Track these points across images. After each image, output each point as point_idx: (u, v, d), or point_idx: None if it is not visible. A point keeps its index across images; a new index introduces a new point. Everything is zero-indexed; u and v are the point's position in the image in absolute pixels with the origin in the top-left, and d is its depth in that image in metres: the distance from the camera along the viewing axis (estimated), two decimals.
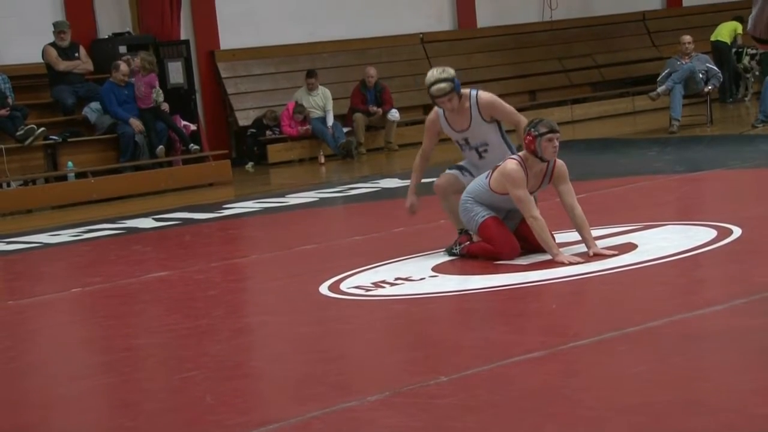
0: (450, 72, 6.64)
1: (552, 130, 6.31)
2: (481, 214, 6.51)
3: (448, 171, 6.96)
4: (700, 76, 14.19)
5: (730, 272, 5.72)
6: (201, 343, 5.32)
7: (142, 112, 13.23)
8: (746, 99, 17.35)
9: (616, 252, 6.29)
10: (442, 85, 6.58)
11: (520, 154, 6.42)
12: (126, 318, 6.30)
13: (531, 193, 6.38)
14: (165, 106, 13.48)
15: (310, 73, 15.22)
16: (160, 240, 9.26)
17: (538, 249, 6.36)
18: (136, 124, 13.10)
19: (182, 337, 5.51)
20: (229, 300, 6.55)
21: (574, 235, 6.54)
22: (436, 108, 6.77)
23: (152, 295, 6.86)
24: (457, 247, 6.68)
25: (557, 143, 6.31)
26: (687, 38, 14.31)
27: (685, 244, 6.35)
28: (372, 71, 15.45)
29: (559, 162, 6.47)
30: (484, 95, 6.72)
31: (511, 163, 6.35)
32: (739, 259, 5.91)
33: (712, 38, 17.18)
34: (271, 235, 9.08)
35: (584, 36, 18.59)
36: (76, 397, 4.62)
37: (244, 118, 15.44)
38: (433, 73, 6.66)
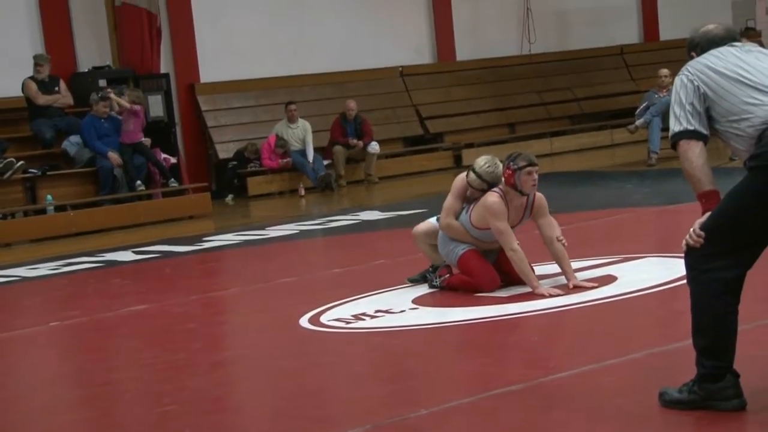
0: (492, 173, 6.48)
1: (531, 164, 6.34)
2: (461, 246, 6.52)
3: (430, 220, 6.91)
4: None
5: None
6: (179, 377, 5.28)
7: (122, 146, 13.20)
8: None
9: (595, 284, 6.30)
10: (473, 178, 6.53)
11: (500, 187, 6.43)
12: (104, 352, 6.24)
13: (512, 227, 6.39)
14: (147, 141, 13.48)
15: (290, 102, 15.25)
16: (139, 273, 9.21)
17: (518, 281, 6.36)
18: (114, 157, 13.06)
19: (161, 371, 5.47)
20: (208, 333, 6.51)
21: (554, 268, 6.55)
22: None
23: (130, 328, 6.80)
24: (437, 280, 6.67)
25: (536, 176, 6.34)
26: (664, 72, 14.42)
27: (664, 276, 6.36)
28: (352, 104, 15.49)
29: (539, 195, 6.49)
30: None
31: (492, 196, 6.37)
32: None
33: None
34: (251, 268, 9.05)
35: (563, 69, 18.71)
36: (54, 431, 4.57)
37: (224, 151, 15.43)
38: (479, 162, 6.58)
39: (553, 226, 6.44)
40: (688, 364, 3.88)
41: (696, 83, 3.89)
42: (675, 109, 3.92)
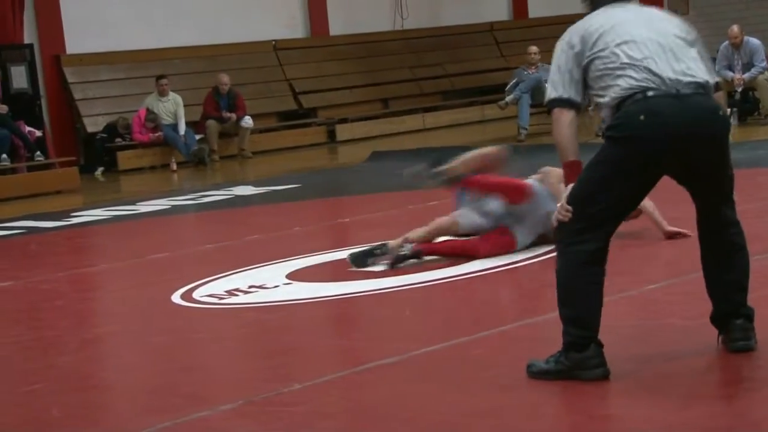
0: None
1: None
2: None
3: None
4: (546, 85, 14.58)
5: None
6: (47, 355, 5.16)
7: None
8: (590, 108, 17.90)
9: None
10: None
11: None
12: None
13: None
14: (3, 109, 13.01)
15: (161, 76, 15.01)
16: (3, 249, 8.94)
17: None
18: None
19: (27, 349, 5.33)
20: (77, 310, 6.38)
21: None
22: None
23: None
24: (406, 248, 6.38)
25: None
26: (533, 49, 14.69)
27: (533, 250, 6.50)
28: (225, 79, 15.31)
29: None
30: None
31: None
32: None
33: None
34: (121, 244, 8.88)
35: (435, 45, 18.86)
36: None
37: (93, 125, 15.07)
38: None
39: None
40: (555, 336, 3.98)
41: (576, 49, 3.92)
42: (554, 74, 3.97)
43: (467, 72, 18.91)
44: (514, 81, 14.72)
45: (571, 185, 3.90)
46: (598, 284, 3.88)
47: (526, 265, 6.20)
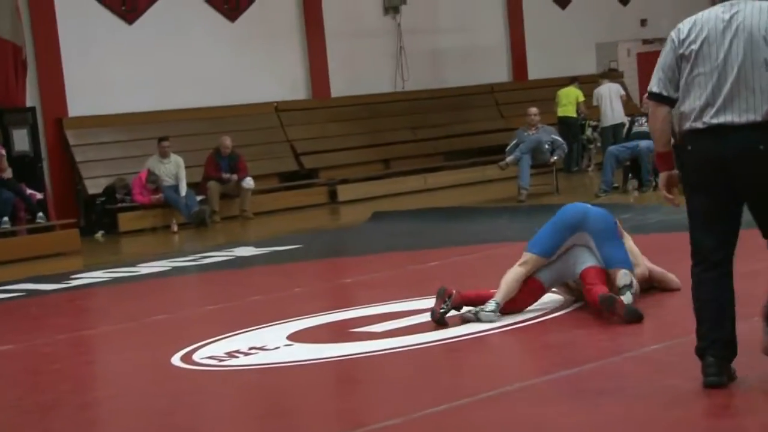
0: None
1: None
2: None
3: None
4: (546, 146, 14.67)
5: (573, 337, 5.84)
6: (45, 420, 5.12)
7: None
8: (589, 169, 18.01)
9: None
10: None
11: None
12: None
13: None
14: (7, 173, 13.07)
15: (163, 138, 15.09)
16: (3, 312, 8.91)
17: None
18: None
19: (25, 413, 5.29)
20: (77, 374, 6.33)
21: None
22: None
23: None
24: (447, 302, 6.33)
25: None
26: (533, 110, 14.79)
27: (536, 310, 6.47)
28: (227, 142, 15.37)
29: None
30: None
31: None
32: (586, 324, 6.02)
33: (560, 114, 17.73)
34: (122, 306, 8.85)
35: (436, 107, 18.99)
36: None
37: (94, 186, 15.12)
38: None
39: None
40: (559, 396, 3.94)
41: (676, 44, 4.25)
42: (658, 68, 4.31)
43: (468, 133, 19.02)
44: (514, 142, 14.80)
45: (665, 172, 4.34)
46: (709, 303, 4.18)
47: (528, 325, 6.17)
